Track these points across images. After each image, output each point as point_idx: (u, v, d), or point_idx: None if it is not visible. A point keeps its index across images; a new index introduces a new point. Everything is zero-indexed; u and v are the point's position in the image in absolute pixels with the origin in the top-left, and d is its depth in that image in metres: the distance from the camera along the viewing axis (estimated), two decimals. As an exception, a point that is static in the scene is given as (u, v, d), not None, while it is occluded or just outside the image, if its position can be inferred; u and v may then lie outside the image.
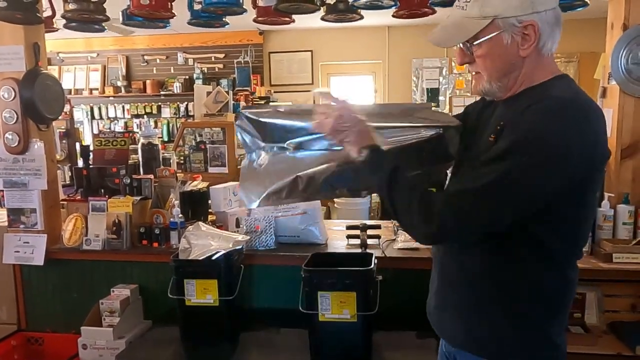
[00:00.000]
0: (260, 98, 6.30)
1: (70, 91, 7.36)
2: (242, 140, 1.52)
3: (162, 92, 7.40)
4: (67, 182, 3.52)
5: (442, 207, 1.17)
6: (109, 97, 7.51)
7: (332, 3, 2.55)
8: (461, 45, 1.26)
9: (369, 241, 2.43)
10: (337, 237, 2.59)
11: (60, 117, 2.80)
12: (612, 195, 2.32)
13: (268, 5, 2.48)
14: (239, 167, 4.48)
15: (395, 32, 7.01)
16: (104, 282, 2.53)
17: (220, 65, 7.35)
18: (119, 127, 7.50)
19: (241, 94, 5.79)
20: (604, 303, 2.24)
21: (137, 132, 4.58)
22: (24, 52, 2.48)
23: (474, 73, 1.29)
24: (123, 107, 7.54)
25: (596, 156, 1.17)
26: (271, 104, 5.50)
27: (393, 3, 2.44)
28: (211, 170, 4.42)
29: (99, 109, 7.59)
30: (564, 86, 1.22)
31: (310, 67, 7.38)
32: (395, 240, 2.47)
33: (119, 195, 2.56)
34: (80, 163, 3.01)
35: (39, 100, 2.50)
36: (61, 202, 2.75)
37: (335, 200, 4.92)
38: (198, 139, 4.68)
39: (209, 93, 4.90)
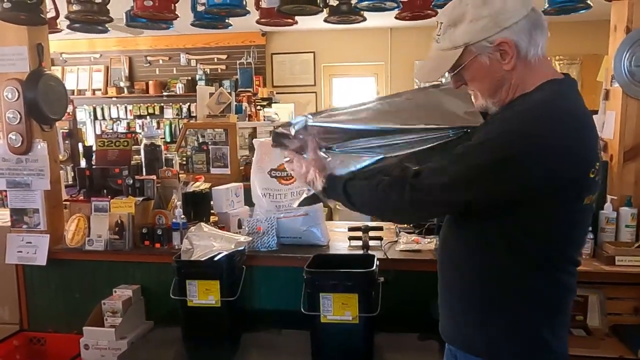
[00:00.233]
0: (263, 99, 6.30)
1: (73, 92, 7.37)
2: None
3: (164, 93, 7.41)
4: (70, 183, 3.52)
5: (409, 177, 1.25)
6: (111, 97, 7.52)
7: (335, 5, 2.55)
8: (447, 74, 1.30)
9: (371, 243, 2.43)
10: (339, 239, 2.58)
11: (63, 118, 2.80)
12: (614, 197, 2.32)
13: (271, 7, 2.48)
14: (241, 167, 4.49)
15: (398, 33, 7.01)
16: (106, 283, 2.53)
17: (223, 67, 7.36)
18: (121, 127, 7.51)
19: (243, 95, 5.79)
20: (607, 306, 2.23)
21: (140, 133, 4.60)
22: (27, 53, 2.48)
23: (472, 91, 1.32)
24: (126, 107, 7.56)
25: (561, 161, 1.13)
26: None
27: (396, 5, 2.45)
28: (213, 171, 4.43)
29: (102, 109, 7.61)
30: (547, 90, 1.21)
31: (313, 68, 7.39)
32: (397, 242, 2.47)
33: (121, 196, 2.57)
34: (83, 163, 3.02)
35: (43, 100, 2.51)
36: (64, 203, 2.76)
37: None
38: (200, 140, 4.68)
39: (211, 94, 4.92)
